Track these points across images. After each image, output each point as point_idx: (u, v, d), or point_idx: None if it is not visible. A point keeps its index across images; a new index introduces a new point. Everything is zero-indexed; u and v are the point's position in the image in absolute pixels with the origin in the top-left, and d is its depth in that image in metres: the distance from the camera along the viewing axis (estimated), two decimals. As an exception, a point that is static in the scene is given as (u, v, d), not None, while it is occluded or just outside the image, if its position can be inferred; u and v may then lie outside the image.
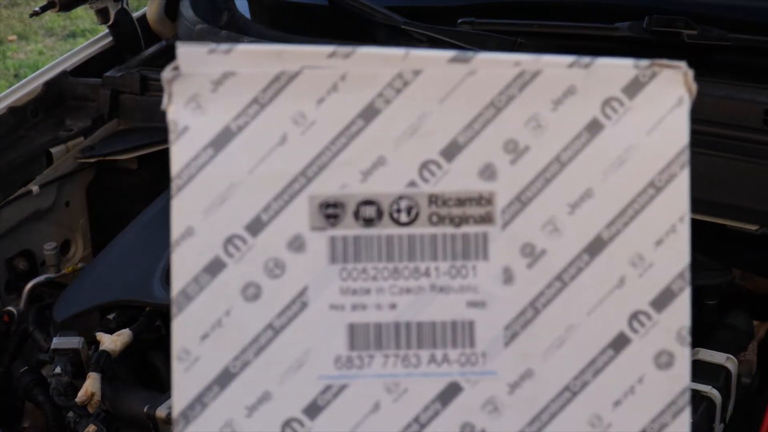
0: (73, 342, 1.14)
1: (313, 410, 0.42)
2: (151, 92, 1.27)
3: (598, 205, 0.42)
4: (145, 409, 1.09)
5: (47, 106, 1.29)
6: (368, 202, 0.42)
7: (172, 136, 0.42)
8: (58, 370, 1.12)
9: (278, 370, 0.42)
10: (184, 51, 0.42)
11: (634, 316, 0.42)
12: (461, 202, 0.42)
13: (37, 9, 1.29)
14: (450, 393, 0.42)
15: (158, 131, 1.28)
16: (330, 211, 0.42)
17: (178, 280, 0.42)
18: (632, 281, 0.42)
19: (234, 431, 0.42)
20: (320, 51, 0.42)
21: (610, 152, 0.42)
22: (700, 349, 0.94)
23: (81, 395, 1.11)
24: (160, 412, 1.09)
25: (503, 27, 1.16)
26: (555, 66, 0.42)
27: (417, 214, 0.42)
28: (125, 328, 1.15)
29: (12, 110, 1.24)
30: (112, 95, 1.29)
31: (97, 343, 1.13)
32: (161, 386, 1.15)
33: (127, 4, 1.34)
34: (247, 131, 0.42)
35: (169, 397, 1.10)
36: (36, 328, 1.19)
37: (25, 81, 1.30)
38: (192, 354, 0.42)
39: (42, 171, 1.27)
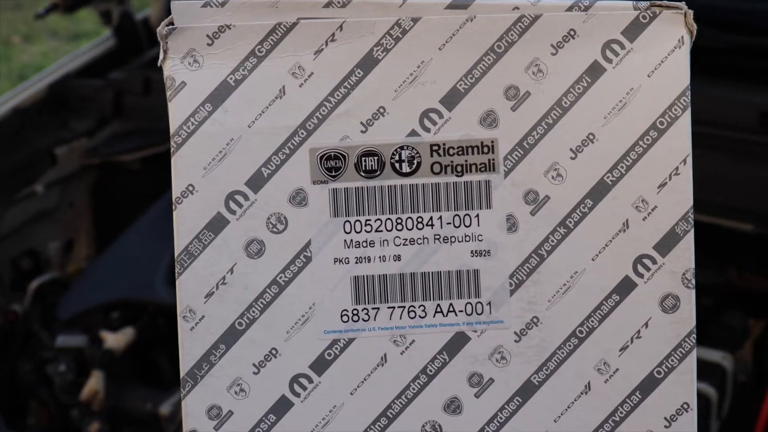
0: (77, 340, 1.14)
1: (320, 365, 0.42)
2: (155, 93, 1.28)
3: (601, 150, 0.41)
4: (149, 407, 1.10)
5: (51, 107, 1.29)
6: (369, 153, 0.42)
7: (169, 93, 0.41)
8: (62, 368, 1.13)
9: (284, 326, 0.42)
10: (179, 5, 0.41)
11: (639, 260, 0.42)
12: (463, 150, 0.42)
13: (41, 11, 1.30)
14: (457, 343, 0.42)
15: (162, 132, 1.28)
16: (331, 164, 0.42)
17: (181, 239, 0.42)
18: (636, 225, 0.42)
19: (242, 389, 0.42)
20: (316, 1, 0.42)
21: (611, 95, 0.41)
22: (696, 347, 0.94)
23: (85, 393, 1.11)
24: (163, 409, 1.09)
25: None
26: (554, 10, 0.41)
27: (419, 164, 0.42)
28: (129, 326, 1.15)
29: (17, 111, 1.25)
30: (115, 96, 1.30)
31: (101, 341, 1.14)
32: (164, 384, 1.15)
33: (130, 6, 1.35)
34: (245, 85, 0.41)
35: (172, 395, 1.10)
36: (41, 327, 1.19)
37: (30, 82, 1.30)
38: (197, 313, 0.42)
39: (46, 171, 1.27)
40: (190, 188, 0.42)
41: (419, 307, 0.42)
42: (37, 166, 1.27)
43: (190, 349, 0.42)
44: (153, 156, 1.29)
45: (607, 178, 0.42)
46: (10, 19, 2.84)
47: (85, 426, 1.12)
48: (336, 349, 0.42)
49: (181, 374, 0.42)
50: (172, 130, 0.42)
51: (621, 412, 0.42)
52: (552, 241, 0.42)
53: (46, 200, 1.27)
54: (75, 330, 1.16)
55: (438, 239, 0.42)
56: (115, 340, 1.15)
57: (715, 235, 1.02)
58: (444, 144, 0.42)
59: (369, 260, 0.42)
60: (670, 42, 0.41)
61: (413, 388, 0.42)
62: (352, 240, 0.42)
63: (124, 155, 1.30)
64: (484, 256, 0.42)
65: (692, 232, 0.42)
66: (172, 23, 0.41)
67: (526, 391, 0.42)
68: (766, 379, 1.01)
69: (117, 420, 1.12)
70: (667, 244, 0.42)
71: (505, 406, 0.42)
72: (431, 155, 0.42)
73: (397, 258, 0.42)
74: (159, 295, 1.16)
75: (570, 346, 0.42)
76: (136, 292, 1.18)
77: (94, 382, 1.13)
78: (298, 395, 0.42)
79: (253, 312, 0.42)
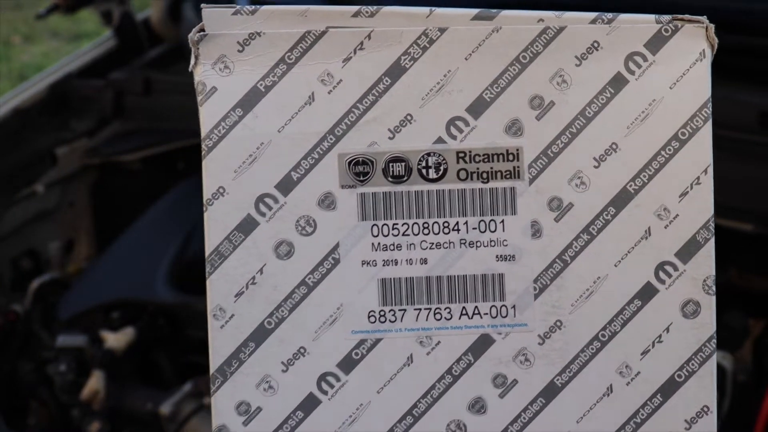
0: (77, 340, 1.14)
1: (347, 364, 0.43)
2: (155, 93, 1.28)
3: (624, 159, 0.43)
4: (149, 407, 1.10)
5: (52, 107, 1.29)
6: (397, 159, 0.43)
7: (200, 98, 0.42)
8: (62, 368, 1.13)
9: (313, 326, 0.43)
10: (210, 12, 0.42)
11: (661, 266, 0.43)
12: (489, 157, 0.43)
13: (42, 11, 1.30)
14: (482, 345, 0.43)
15: (162, 132, 1.28)
16: (359, 169, 0.43)
17: (212, 240, 0.43)
18: (658, 232, 0.43)
19: (271, 386, 0.43)
20: (345, 10, 0.42)
21: (634, 106, 0.42)
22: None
23: (85, 393, 1.12)
24: (163, 409, 1.09)
25: None
26: (578, 22, 0.42)
27: (445, 170, 0.43)
28: (129, 326, 1.16)
29: (17, 112, 1.25)
30: (116, 96, 1.30)
31: (101, 341, 1.14)
32: (164, 384, 1.16)
33: (131, 7, 1.35)
34: (275, 91, 0.42)
35: (172, 395, 1.10)
36: (41, 327, 1.19)
37: (30, 83, 1.30)
38: (227, 312, 0.43)
39: (47, 172, 1.27)
40: (221, 190, 0.43)
41: (445, 309, 0.43)
42: (38, 166, 1.26)
43: (220, 347, 0.43)
44: (153, 156, 1.29)
45: (630, 186, 0.43)
46: (11, 19, 2.84)
47: (86, 426, 1.12)
48: (363, 348, 0.43)
49: (211, 371, 0.43)
50: (203, 134, 0.42)
51: (642, 414, 0.43)
52: (575, 247, 0.43)
53: (47, 200, 1.27)
54: (75, 330, 1.16)
55: (464, 244, 0.43)
56: (115, 340, 1.16)
57: (715, 235, 1.03)
58: (470, 151, 0.43)
59: (396, 263, 0.43)
60: (692, 55, 0.42)
61: (438, 388, 0.43)
62: (379, 243, 0.43)
63: (124, 155, 1.30)
64: (509, 260, 0.43)
65: (713, 240, 0.43)
66: (203, 30, 0.42)
67: (550, 392, 0.43)
68: (766, 379, 1.02)
69: (117, 420, 1.13)
70: (688, 251, 0.43)
71: (529, 407, 0.43)
72: (457, 162, 0.43)
73: (424, 261, 0.43)
74: (159, 295, 1.16)
75: (593, 349, 0.43)
76: (136, 292, 1.18)
77: (95, 382, 1.13)
78: (325, 393, 0.43)
79: (282, 311, 0.43)
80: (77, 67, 1.32)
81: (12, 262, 1.23)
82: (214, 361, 0.43)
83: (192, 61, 0.42)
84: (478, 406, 0.43)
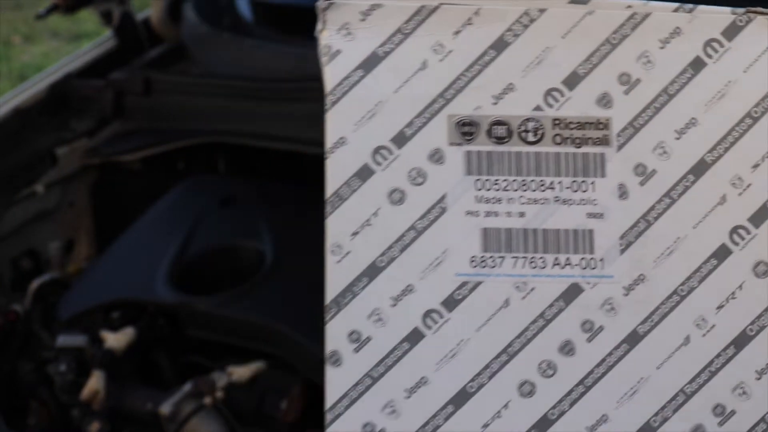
0: (77, 340, 1.14)
1: (450, 303, 0.47)
2: (155, 93, 1.28)
3: (702, 132, 0.47)
4: (149, 407, 1.10)
5: (52, 107, 1.29)
6: (499, 123, 0.47)
7: (324, 59, 0.47)
8: (62, 368, 1.12)
9: (420, 267, 0.47)
10: None
11: (735, 230, 0.47)
12: (581, 125, 0.47)
13: (42, 11, 1.30)
14: (572, 293, 0.47)
15: (162, 132, 1.29)
16: (466, 129, 0.47)
17: (332, 183, 0.47)
18: (732, 199, 0.47)
19: (380, 318, 0.47)
20: None
21: (711, 86, 0.47)
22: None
23: (85, 393, 1.11)
24: (164, 409, 1.09)
25: None
26: (662, 10, 0.48)
27: (542, 135, 0.47)
28: (129, 326, 1.16)
29: (17, 112, 1.24)
30: (116, 97, 1.30)
31: (101, 341, 1.14)
32: (164, 384, 1.16)
33: (131, 7, 1.36)
34: (392, 56, 0.47)
35: (172, 395, 1.11)
36: (41, 327, 1.18)
37: (30, 83, 1.30)
38: (344, 248, 0.47)
39: (47, 172, 1.27)
40: (342, 140, 0.47)
41: (539, 258, 0.47)
42: (38, 167, 1.26)
43: (335, 280, 0.47)
44: (153, 156, 1.29)
45: (708, 157, 0.47)
46: (11, 19, 2.82)
47: (86, 426, 1.12)
48: (465, 290, 0.47)
49: (326, 301, 0.47)
50: (327, 90, 0.47)
51: (717, 364, 0.47)
52: (658, 209, 0.47)
53: (47, 200, 1.27)
54: (75, 330, 1.16)
55: (558, 201, 0.47)
56: (115, 340, 1.15)
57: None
58: (565, 119, 0.48)
59: (497, 214, 0.47)
60: (763, 43, 0.48)
61: (532, 330, 0.47)
62: (482, 196, 0.47)
63: (124, 155, 1.30)
64: (598, 218, 0.47)
65: None
66: None
67: (632, 339, 0.47)
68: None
69: (117, 420, 1.12)
70: (760, 217, 0.47)
71: (614, 352, 0.47)
72: (553, 128, 0.47)
73: (522, 215, 0.47)
74: (159, 295, 1.16)
75: (672, 302, 0.47)
76: (136, 292, 1.18)
77: (95, 382, 1.13)
78: (429, 328, 0.47)
79: (393, 252, 0.47)
80: (77, 67, 1.32)
81: (12, 262, 1.23)
82: (330, 292, 0.47)
83: (319, 27, 0.47)
84: (567, 348, 0.47)
